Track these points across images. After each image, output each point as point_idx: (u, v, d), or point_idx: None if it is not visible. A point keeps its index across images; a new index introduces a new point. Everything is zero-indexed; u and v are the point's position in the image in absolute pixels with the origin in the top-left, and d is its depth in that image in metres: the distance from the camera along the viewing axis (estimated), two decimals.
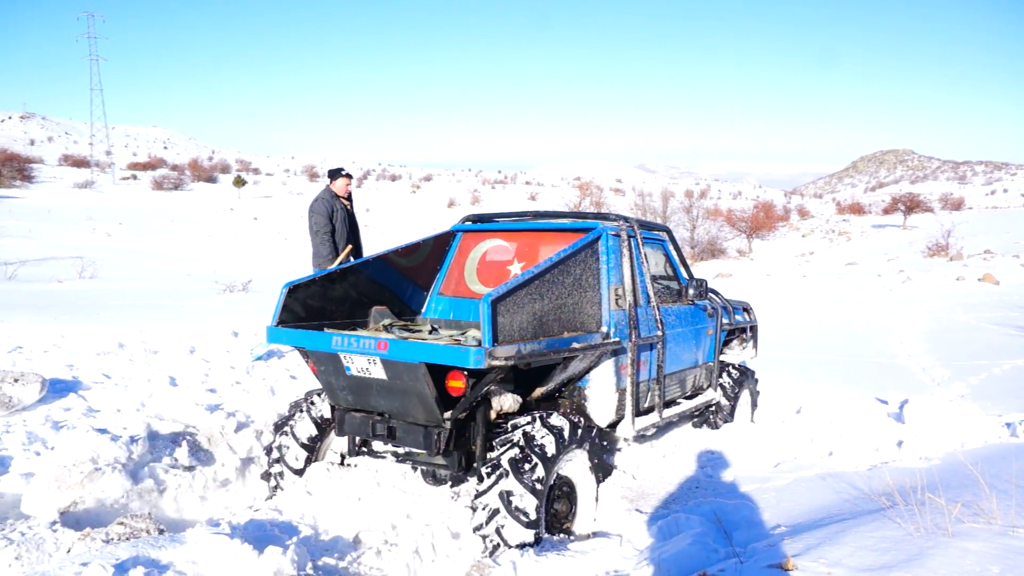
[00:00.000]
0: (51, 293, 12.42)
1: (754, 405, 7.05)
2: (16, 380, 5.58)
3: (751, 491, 4.82)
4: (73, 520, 4.37)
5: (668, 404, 5.69)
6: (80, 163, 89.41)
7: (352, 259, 7.18)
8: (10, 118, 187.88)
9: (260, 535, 4.02)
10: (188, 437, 5.70)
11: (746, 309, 7.31)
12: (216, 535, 3.68)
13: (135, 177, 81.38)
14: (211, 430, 5.80)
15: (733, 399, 6.59)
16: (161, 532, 3.98)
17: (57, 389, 6.08)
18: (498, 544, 3.79)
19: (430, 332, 4.89)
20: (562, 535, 4.19)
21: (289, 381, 7.16)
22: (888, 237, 47.69)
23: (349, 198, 7.81)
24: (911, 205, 58.29)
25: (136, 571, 3.27)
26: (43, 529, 3.94)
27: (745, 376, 6.85)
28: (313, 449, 4.90)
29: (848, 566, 2.87)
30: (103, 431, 4.96)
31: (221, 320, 9.67)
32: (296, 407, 5.05)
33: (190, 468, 5.16)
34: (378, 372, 4.11)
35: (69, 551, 3.74)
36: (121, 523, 3.94)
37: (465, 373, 3.96)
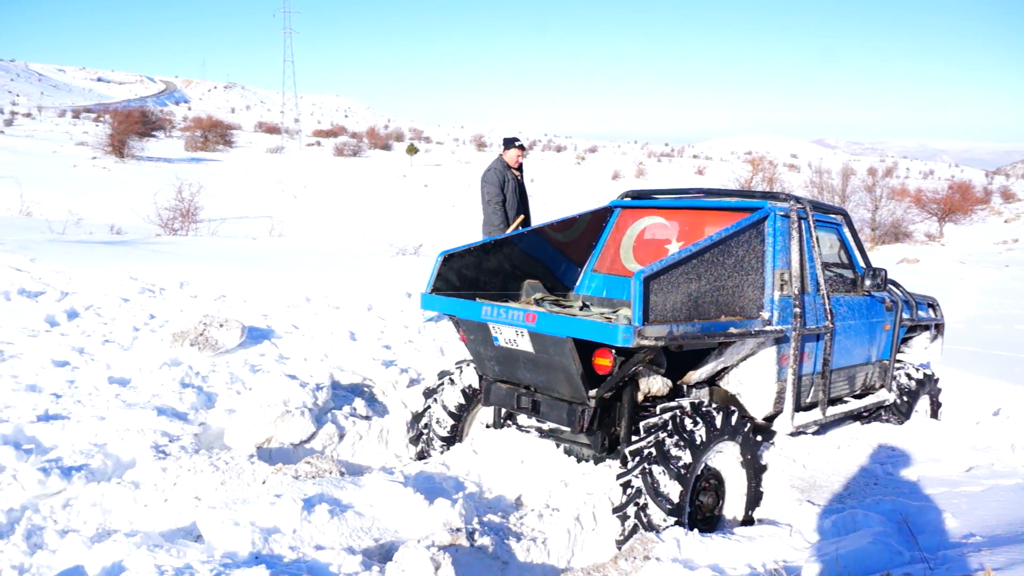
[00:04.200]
0: (247, 248, 13.61)
1: (934, 411, 6.47)
2: (221, 325, 6.19)
3: (938, 494, 4.44)
4: (266, 455, 4.82)
5: (833, 402, 5.32)
6: (272, 130, 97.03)
7: (523, 228, 7.29)
8: (215, 88, 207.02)
9: (429, 487, 4.22)
10: (365, 389, 6.10)
11: (931, 305, 6.67)
12: (391, 482, 3.92)
13: (319, 144, 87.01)
14: (386, 384, 6.17)
15: (909, 402, 6.07)
16: (342, 474, 4.28)
17: (254, 336, 6.67)
18: (636, 527, 3.71)
19: (581, 308, 4.85)
20: (705, 529, 3.98)
21: (458, 343, 7.42)
22: None
23: (520, 168, 7.93)
24: None
25: (321, 507, 3.54)
26: (243, 461, 4.37)
27: (925, 378, 6.29)
28: (460, 418, 5.02)
29: None
30: (293, 377, 5.39)
31: (395, 281, 10.16)
32: (446, 375, 5.16)
33: (367, 417, 5.52)
34: (525, 344, 4.13)
35: (264, 482, 4.12)
36: (308, 462, 4.28)
37: (613, 351, 3.89)
